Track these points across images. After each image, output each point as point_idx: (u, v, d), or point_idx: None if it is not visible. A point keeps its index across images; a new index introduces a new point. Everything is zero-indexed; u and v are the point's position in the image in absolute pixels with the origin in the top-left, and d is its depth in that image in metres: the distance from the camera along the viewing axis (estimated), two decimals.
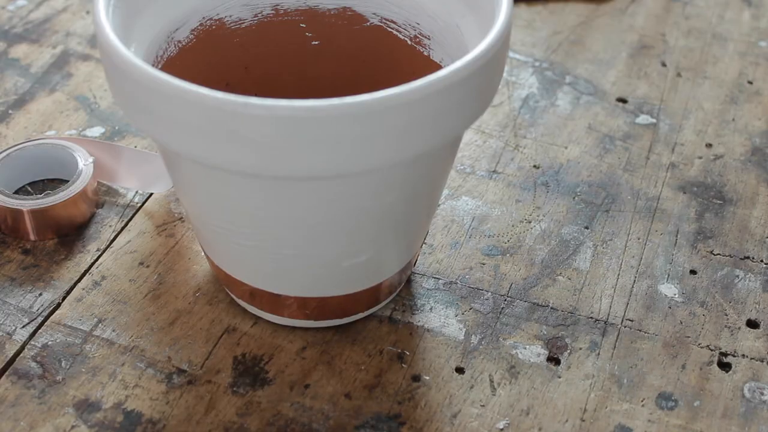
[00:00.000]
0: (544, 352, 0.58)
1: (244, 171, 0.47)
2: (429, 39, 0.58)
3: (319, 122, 0.44)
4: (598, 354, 0.58)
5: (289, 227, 0.52)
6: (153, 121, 0.48)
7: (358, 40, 0.61)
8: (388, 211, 0.52)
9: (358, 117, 0.45)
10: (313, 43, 0.62)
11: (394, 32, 0.60)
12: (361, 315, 0.59)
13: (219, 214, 0.52)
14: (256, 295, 0.57)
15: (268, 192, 0.49)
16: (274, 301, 0.57)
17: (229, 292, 0.60)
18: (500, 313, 0.60)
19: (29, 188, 0.67)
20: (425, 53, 0.59)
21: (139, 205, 0.66)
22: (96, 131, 0.72)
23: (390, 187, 0.51)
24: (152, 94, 0.46)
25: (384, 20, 0.60)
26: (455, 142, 0.55)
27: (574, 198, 0.67)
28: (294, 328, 0.59)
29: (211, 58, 0.59)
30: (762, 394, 0.56)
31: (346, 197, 0.50)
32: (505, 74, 0.77)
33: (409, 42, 0.60)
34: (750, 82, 0.79)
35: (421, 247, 0.62)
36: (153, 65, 0.55)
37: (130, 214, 0.66)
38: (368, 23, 0.61)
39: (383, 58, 0.61)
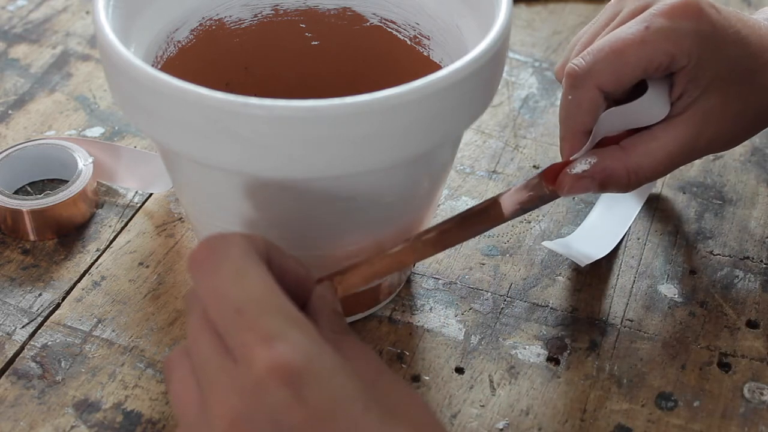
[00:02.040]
0: (544, 353, 0.58)
1: (242, 171, 0.47)
2: (429, 39, 0.58)
3: (319, 122, 0.44)
4: (598, 354, 0.58)
5: (289, 227, 0.52)
6: (152, 121, 0.48)
7: (358, 41, 0.61)
8: (388, 211, 0.52)
9: (357, 117, 0.45)
10: (313, 43, 0.62)
11: (394, 32, 0.60)
12: (360, 315, 0.59)
13: (218, 214, 0.52)
14: None
15: (266, 192, 0.49)
16: None
17: None
18: (500, 313, 0.60)
19: (29, 188, 0.67)
20: (425, 53, 0.59)
21: (138, 205, 0.66)
22: (96, 131, 0.72)
23: (390, 187, 0.51)
24: (151, 94, 0.46)
25: (384, 20, 0.60)
26: (455, 142, 0.55)
27: (573, 198, 0.67)
28: None
29: (211, 58, 0.59)
30: (762, 394, 0.56)
31: (345, 197, 0.50)
32: (505, 74, 0.77)
33: (408, 42, 0.60)
34: None
35: None
36: (153, 65, 0.55)
37: (130, 215, 0.66)
38: (368, 23, 0.61)
39: (383, 58, 0.61)
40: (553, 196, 0.54)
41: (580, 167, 0.54)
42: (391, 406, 0.41)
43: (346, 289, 0.51)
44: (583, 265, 0.60)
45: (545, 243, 0.62)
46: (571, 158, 0.54)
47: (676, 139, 0.54)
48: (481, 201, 0.67)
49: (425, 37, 0.59)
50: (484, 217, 0.54)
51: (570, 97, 0.54)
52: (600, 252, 0.62)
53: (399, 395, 0.43)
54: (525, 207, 0.54)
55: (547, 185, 0.54)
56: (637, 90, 0.54)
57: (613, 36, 0.53)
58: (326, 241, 0.52)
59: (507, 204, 0.54)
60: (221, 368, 0.40)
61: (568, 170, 0.54)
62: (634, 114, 0.54)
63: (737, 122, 0.56)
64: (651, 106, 0.54)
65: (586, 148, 0.54)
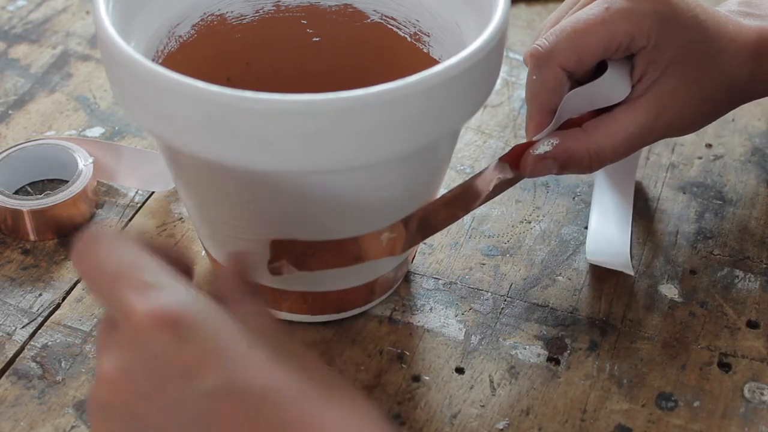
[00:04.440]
0: (544, 353, 0.58)
1: (240, 165, 0.47)
2: (428, 36, 0.59)
3: (315, 117, 0.44)
4: (598, 354, 0.58)
5: (287, 222, 0.51)
6: (152, 116, 0.48)
7: (359, 37, 0.61)
8: (384, 207, 0.52)
9: (353, 111, 0.45)
10: (314, 39, 0.62)
11: (394, 29, 0.60)
12: (359, 310, 0.59)
13: (218, 209, 0.52)
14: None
15: (265, 186, 0.49)
16: (273, 297, 0.56)
17: None
18: (500, 313, 0.60)
19: (29, 188, 0.67)
20: (425, 50, 0.59)
21: (139, 204, 0.66)
22: (96, 131, 0.72)
23: (386, 182, 0.51)
24: (150, 88, 0.46)
25: (384, 17, 0.60)
26: (452, 138, 0.55)
27: (573, 198, 0.67)
28: (294, 328, 0.58)
29: (212, 53, 0.59)
30: (762, 394, 0.56)
31: (341, 192, 0.50)
32: (505, 75, 0.77)
33: (408, 39, 0.60)
34: None
35: (418, 245, 0.62)
36: (153, 60, 0.55)
37: (130, 214, 0.65)
38: (369, 20, 0.61)
39: (383, 54, 0.61)
40: (517, 178, 0.55)
41: (542, 148, 0.55)
42: (280, 352, 0.42)
43: (316, 266, 0.52)
44: (633, 273, 0.61)
45: (589, 258, 0.61)
46: (534, 139, 0.55)
47: (636, 121, 0.55)
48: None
49: (425, 34, 0.59)
50: (458, 205, 0.54)
51: (534, 77, 0.55)
52: (625, 248, 0.62)
53: (288, 345, 0.43)
54: (494, 191, 0.55)
55: (511, 167, 0.55)
56: (599, 73, 0.55)
57: (575, 17, 0.55)
58: (322, 235, 0.52)
59: (477, 190, 0.54)
60: (106, 332, 0.42)
61: (531, 151, 0.55)
62: (596, 93, 0.55)
63: (696, 106, 0.57)
64: (612, 85, 0.55)
65: (549, 129, 0.55)
